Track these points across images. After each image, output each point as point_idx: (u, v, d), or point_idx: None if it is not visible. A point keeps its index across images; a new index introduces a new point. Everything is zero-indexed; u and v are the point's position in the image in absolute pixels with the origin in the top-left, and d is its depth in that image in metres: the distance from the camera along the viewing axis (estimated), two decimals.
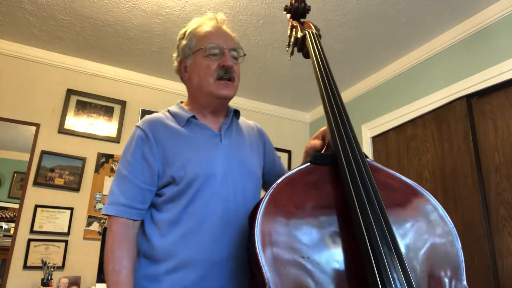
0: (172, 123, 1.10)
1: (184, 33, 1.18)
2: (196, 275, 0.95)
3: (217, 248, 0.98)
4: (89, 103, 2.97)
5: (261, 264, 0.66)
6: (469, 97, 2.27)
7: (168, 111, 1.16)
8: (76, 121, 2.89)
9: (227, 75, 1.10)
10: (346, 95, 3.33)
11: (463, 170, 2.20)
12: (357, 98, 3.23)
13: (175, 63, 1.20)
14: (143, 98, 3.16)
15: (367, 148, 3.01)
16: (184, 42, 1.15)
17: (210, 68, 1.09)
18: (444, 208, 0.83)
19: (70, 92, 2.91)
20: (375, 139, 2.97)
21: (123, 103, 3.05)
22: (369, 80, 3.07)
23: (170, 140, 1.05)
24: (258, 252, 0.67)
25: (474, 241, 2.07)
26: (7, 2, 2.33)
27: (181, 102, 1.20)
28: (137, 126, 1.10)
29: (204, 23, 1.17)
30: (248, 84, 3.24)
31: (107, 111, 3.00)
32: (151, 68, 3.07)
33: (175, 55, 1.20)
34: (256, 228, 0.70)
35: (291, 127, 3.77)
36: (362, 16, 2.35)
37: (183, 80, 1.20)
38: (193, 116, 1.11)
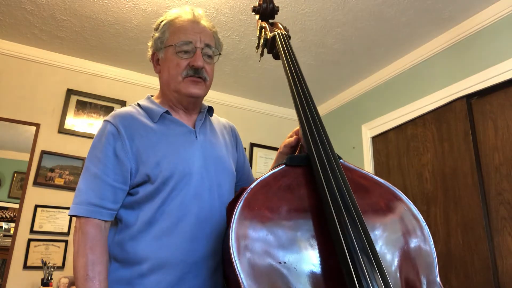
0: (144, 118, 1.04)
1: (159, 25, 1.12)
2: (172, 277, 0.91)
3: (193, 248, 0.94)
4: (89, 103, 2.97)
5: (237, 271, 0.64)
6: (469, 97, 2.26)
7: (139, 105, 1.10)
8: (76, 121, 2.89)
9: (196, 75, 1.05)
10: (346, 95, 3.33)
11: (463, 170, 2.20)
12: (357, 98, 3.23)
13: (150, 52, 1.15)
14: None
15: (367, 148, 3.00)
16: (156, 34, 1.11)
17: (179, 67, 1.04)
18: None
19: (70, 92, 2.91)
20: (375, 139, 2.97)
21: (123, 103, 3.05)
22: (369, 80, 3.07)
23: (144, 136, 1.00)
24: (234, 260, 0.65)
25: (474, 241, 2.07)
26: (7, 2, 2.33)
27: (152, 96, 1.15)
28: (107, 121, 1.02)
29: (179, 16, 1.11)
30: (248, 84, 3.23)
31: (107, 111, 3.00)
32: (151, 68, 3.05)
33: (149, 44, 1.15)
34: (231, 234, 0.68)
35: (290, 127, 3.76)
36: (362, 16, 2.35)
37: (155, 70, 1.16)
38: (167, 112, 1.06)
